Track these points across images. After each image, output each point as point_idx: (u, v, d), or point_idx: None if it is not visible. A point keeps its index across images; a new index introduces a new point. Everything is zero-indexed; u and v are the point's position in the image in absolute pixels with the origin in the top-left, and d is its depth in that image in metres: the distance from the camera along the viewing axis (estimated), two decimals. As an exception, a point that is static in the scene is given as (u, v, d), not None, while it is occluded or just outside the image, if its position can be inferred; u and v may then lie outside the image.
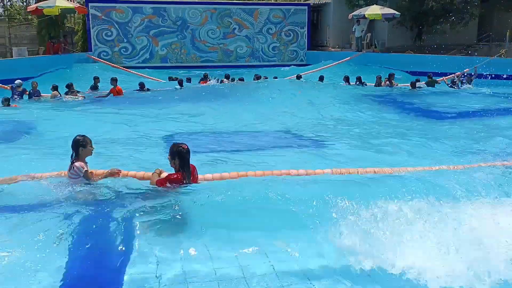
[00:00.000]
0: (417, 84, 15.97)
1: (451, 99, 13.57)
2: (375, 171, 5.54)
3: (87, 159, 5.10)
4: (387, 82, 16.18)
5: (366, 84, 16.29)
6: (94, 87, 15.70)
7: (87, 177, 4.94)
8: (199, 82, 17.83)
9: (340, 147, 7.87)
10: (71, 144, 4.99)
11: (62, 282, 3.33)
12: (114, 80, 14.68)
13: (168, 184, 4.78)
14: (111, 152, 7.10)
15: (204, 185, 4.99)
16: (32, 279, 3.35)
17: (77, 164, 4.90)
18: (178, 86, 15.93)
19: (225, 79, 17.67)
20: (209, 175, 5.32)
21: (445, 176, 5.00)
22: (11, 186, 5.06)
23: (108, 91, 14.41)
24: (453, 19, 22.13)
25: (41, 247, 3.72)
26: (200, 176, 5.15)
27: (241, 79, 17.26)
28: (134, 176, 5.19)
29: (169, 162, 4.88)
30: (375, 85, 16.10)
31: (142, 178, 5.17)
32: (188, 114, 11.14)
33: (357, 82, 16.37)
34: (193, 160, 5.08)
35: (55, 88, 14.03)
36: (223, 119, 10.54)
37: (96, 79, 16.04)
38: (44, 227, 4.05)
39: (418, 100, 13.48)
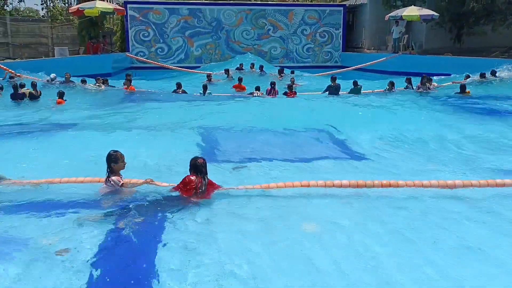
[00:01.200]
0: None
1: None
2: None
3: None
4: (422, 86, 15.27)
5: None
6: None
7: (124, 187, 5.25)
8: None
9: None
10: (106, 158, 5.27)
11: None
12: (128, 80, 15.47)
13: (181, 187, 5.13)
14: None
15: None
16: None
17: (113, 178, 5.21)
18: (201, 92, 15.16)
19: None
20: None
21: None
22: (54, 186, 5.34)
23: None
24: (495, 20, 21.40)
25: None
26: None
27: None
28: (162, 185, 5.43)
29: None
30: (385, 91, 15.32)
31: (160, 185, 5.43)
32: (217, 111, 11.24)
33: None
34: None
35: (83, 81, 15.46)
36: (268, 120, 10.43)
37: (127, 75, 16.45)
38: (83, 230, 4.23)
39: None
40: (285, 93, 14.82)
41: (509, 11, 21.10)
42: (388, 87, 15.30)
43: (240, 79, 17.11)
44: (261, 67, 21.06)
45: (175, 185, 5.27)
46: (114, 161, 5.18)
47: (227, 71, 19.49)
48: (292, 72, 20.37)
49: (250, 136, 9.20)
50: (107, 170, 5.24)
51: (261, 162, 7.28)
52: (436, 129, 9.57)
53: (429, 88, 14.93)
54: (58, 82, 15.86)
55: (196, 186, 5.04)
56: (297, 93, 15.01)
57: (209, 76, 18.38)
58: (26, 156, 7.15)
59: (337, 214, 4.82)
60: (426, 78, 15.30)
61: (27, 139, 8.25)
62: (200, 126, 9.66)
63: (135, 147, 7.63)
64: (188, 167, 5.22)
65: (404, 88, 15.56)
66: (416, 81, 15.70)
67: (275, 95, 14.76)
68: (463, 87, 14.37)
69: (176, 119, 10.43)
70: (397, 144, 8.77)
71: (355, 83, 15.56)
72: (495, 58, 19.84)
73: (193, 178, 5.10)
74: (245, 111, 11.59)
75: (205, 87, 15.17)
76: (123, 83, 15.44)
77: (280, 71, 20.43)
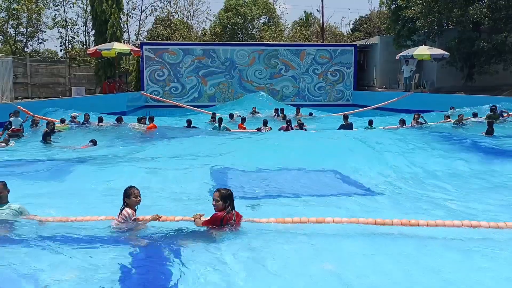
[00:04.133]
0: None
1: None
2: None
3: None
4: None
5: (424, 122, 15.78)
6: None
7: (134, 222, 5.32)
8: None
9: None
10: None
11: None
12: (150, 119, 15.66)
13: (214, 224, 5.09)
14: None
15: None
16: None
17: (127, 210, 5.28)
18: (216, 126, 15.73)
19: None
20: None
21: None
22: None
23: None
24: (506, 59, 21.55)
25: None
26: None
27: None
28: (173, 220, 5.48)
29: (215, 207, 5.17)
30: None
31: (184, 219, 5.48)
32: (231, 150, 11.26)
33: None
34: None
35: (100, 119, 15.64)
36: (272, 158, 10.43)
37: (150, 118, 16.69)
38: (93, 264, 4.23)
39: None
40: (294, 126, 15.15)
41: (519, 50, 21.26)
42: (399, 125, 15.59)
43: (243, 119, 17.19)
44: (282, 110, 20.09)
45: (187, 217, 5.37)
46: (127, 196, 5.29)
47: (231, 115, 19.17)
48: (298, 109, 20.63)
49: (262, 172, 9.19)
50: (123, 203, 5.35)
51: (276, 198, 7.26)
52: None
53: (421, 123, 15.66)
54: (77, 123, 16.02)
55: (228, 219, 5.10)
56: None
57: (213, 115, 18.78)
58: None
59: (354, 251, 4.74)
60: (418, 115, 16.07)
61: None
62: (212, 162, 9.71)
63: (147, 181, 7.71)
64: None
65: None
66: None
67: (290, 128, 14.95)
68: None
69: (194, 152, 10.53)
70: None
71: (370, 123, 15.79)
72: (508, 97, 19.84)
73: (220, 214, 5.09)
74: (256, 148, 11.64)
75: (220, 120, 15.92)
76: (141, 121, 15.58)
77: (297, 110, 20.62)
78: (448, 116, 16.91)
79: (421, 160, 9.92)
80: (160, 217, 5.42)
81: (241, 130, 16.28)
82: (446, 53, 21.02)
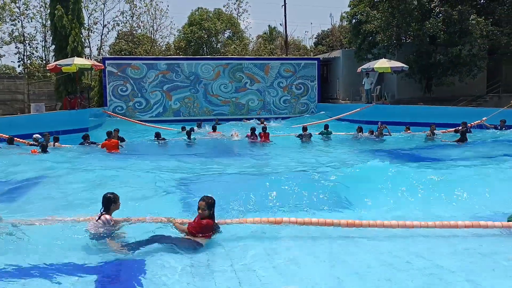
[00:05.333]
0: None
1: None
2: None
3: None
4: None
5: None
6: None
7: (114, 225, 5.41)
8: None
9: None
10: (102, 200, 5.44)
11: None
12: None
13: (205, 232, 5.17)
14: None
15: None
16: None
17: (107, 216, 5.35)
18: (186, 138, 16.13)
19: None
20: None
21: None
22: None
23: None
24: (461, 71, 22.45)
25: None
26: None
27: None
28: (151, 220, 5.64)
29: (201, 213, 5.23)
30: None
31: (157, 221, 5.62)
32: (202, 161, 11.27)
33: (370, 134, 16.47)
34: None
35: (56, 139, 14.25)
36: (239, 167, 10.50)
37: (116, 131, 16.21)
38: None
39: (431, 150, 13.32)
40: (259, 134, 15.77)
41: (473, 63, 22.21)
42: (356, 132, 16.68)
43: (214, 127, 18.04)
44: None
45: (163, 218, 5.53)
46: (114, 201, 5.42)
47: (199, 124, 19.68)
48: (263, 121, 21.21)
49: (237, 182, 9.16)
50: (100, 210, 5.38)
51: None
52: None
53: (384, 134, 16.30)
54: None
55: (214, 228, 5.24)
56: (270, 135, 16.07)
57: (183, 128, 18.83)
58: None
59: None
60: (382, 125, 16.61)
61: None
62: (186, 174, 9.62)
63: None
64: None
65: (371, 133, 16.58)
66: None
67: (255, 138, 15.65)
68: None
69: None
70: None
71: (326, 127, 17.14)
72: (464, 107, 20.64)
73: (210, 222, 5.20)
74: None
75: (189, 133, 16.14)
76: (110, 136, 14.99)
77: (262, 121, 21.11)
78: (408, 128, 17.44)
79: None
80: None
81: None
82: (405, 65, 21.69)
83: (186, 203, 7.10)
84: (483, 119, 16.88)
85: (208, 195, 5.35)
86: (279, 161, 11.42)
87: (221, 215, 5.86)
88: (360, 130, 16.60)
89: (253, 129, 16.05)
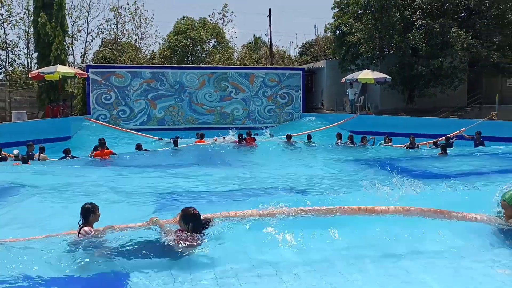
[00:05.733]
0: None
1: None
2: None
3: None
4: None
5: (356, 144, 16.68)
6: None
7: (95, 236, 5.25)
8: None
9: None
10: (80, 211, 5.30)
11: None
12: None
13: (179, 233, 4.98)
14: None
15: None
16: None
17: (86, 228, 5.20)
18: (173, 146, 16.31)
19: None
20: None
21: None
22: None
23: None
24: (443, 83, 22.87)
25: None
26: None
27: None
28: (134, 227, 5.46)
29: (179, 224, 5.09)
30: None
31: (140, 226, 5.44)
32: (184, 174, 11.19)
33: (349, 141, 16.79)
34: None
35: (42, 149, 13.98)
36: (220, 178, 10.53)
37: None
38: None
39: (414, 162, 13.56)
40: (244, 139, 16.34)
41: (454, 75, 22.65)
42: (336, 139, 17.27)
43: (201, 135, 18.26)
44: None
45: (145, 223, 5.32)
46: (93, 212, 5.29)
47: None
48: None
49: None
50: (79, 223, 5.25)
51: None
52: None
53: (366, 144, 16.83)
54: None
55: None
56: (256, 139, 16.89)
57: (160, 139, 19.40)
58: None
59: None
60: (365, 137, 17.09)
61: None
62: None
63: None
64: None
65: (345, 143, 17.02)
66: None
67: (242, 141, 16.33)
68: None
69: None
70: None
71: (309, 137, 17.40)
72: (445, 118, 21.00)
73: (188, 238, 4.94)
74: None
75: (175, 142, 16.37)
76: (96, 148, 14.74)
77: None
78: (390, 139, 17.66)
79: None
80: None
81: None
82: (388, 77, 22.02)
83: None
84: (462, 129, 17.20)
85: (190, 206, 5.19)
86: (264, 172, 11.46)
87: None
88: (339, 137, 17.11)
89: (240, 136, 16.57)
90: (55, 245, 5.26)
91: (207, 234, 5.08)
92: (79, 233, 5.21)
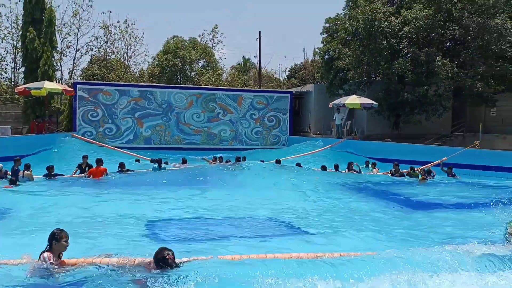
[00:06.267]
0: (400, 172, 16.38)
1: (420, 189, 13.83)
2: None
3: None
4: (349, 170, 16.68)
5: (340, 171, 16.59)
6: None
7: (53, 267, 4.88)
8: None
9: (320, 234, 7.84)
10: (49, 235, 5.04)
11: None
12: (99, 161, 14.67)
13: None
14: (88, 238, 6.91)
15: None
16: None
17: (45, 255, 4.93)
18: (156, 167, 16.01)
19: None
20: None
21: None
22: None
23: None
24: (427, 110, 23.22)
25: None
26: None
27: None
28: (105, 263, 5.07)
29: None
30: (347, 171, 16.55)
31: (111, 263, 5.08)
32: (169, 198, 11.05)
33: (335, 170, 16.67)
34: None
35: (27, 167, 13.57)
36: (207, 204, 10.44)
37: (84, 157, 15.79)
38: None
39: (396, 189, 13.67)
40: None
41: (439, 103, 23.04)
42: (333, 169, 16.62)
43: (184, 160, 17.80)
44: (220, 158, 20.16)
45: (122, 258, 5.02)
46: (57, 239, 4.97)
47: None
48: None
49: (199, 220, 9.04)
50: (46, 247, 5.00)
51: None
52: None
53: (355, 171, 16.59)
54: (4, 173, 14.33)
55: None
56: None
57: (137, 160, 19.28)
58: None
59: None
60: (352, 164, 16.84)
61: None
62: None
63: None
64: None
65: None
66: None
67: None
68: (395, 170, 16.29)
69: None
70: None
71: (298, 165, 16.88)
72: (430, 145, 21.25)
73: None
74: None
75: (159, 162, 16.15)
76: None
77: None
78: (374, 164, 17.81)
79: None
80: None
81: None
82: (375, 103, 22.30)
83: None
84: (443, 158, 17.41)
85: (165, 248, 4.91)
86: (250, 197, 11.36)
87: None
88: (336, 168, 16.66)
89: (228, 161, 16.58)
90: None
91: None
92: (39, 257, 4.95)
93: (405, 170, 16.44)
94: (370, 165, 17.96)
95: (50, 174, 13.78)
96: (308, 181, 14.00)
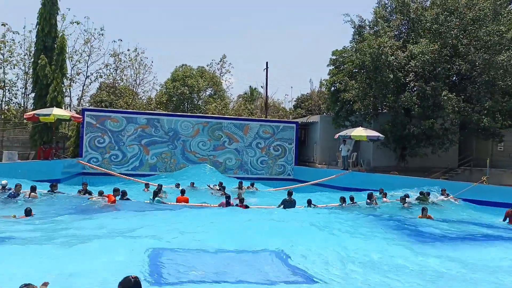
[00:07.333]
0: (407, 200, 16.20)
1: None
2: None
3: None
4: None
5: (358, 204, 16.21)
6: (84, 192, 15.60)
7: None
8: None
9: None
10: None
11: None
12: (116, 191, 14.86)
13: None
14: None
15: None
16: None
17: None
18: (151, 197, 15.68)
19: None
20: None
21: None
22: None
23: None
24: (434, 143, 23.15)
25: None
26: None
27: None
28: None
29: None
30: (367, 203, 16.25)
31: None
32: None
33: (352, 202, 16.24)
34: None
35: (33, 189, 14.19)
36: (217, 237, 10.23)
37: (84, 184, 16.10)
38: None
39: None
40: (236, 205, 14.76)
41: (445, 136, 22.98)
42: (340, 203, 16.12)
43: (182, 191, 16.75)
44: (220, 184, 20.08)
45: None
46: None
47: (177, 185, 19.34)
48: (252, 185, 20.97)
49: (202, 255, 8.88)
50: None
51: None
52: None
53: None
54: (8, 190, 14.65)
55: None
56: (250, 206, 15.10)
57: (147, 185, 19.02)
58: None
59: None
60: (373, 195, 16.58)
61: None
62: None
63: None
64: None
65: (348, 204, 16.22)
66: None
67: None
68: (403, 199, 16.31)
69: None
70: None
71: (309, 202, 15.68)
72: (437, 179, 21.07)
73: None
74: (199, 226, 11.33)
75: (155, 194, 15.71)
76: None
77: (240, 184, 20.54)
78: (385, 194, 17.62)
79: (364, 246, 9.92)
80: None
81: (181, 203, 15.93)
82: (381, 135, 22.28)
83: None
84: (450, 196, 17.36)
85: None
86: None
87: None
88: (343, 200, 16.15)
89: (228, 198, 15.16)
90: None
91: None
92: None
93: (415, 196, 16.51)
94: (381, 194, 17.67)
95: (53, 191, 14.12)
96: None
